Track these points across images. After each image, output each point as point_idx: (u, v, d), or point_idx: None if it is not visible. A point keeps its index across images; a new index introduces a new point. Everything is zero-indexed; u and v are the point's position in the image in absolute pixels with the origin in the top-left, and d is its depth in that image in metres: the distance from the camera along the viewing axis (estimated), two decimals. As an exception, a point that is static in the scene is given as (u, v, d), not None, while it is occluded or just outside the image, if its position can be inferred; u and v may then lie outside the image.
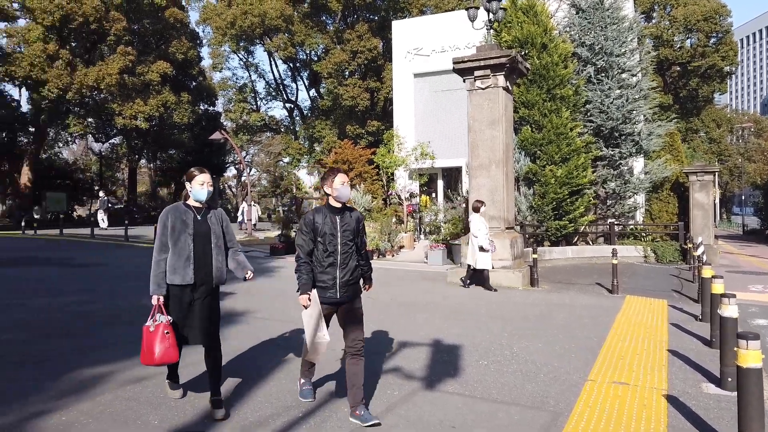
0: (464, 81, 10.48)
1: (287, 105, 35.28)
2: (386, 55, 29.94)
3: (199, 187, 3.71)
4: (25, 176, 31.94)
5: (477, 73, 10.14)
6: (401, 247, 15.53)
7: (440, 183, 19.30)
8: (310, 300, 3.54)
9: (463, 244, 10.39)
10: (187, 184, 3.77)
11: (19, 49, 27.43)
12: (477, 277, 9.27)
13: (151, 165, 55.83)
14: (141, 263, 12.12)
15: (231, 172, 66.32)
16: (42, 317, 6.46)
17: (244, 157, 75.18)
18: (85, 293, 8.08)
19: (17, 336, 5.59)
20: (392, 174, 19.06)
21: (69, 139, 42.14)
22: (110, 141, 43.41)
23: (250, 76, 33.65)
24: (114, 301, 7.54)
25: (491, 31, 11.19)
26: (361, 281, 3.80)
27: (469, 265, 9.24)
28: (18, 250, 15.10)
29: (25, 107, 32.85)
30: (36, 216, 31.18)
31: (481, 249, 8.91)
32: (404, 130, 18.66)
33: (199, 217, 3.73)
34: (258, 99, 34.19)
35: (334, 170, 3.68)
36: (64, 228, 21.86)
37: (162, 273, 3.62)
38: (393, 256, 14.97)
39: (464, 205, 15.11)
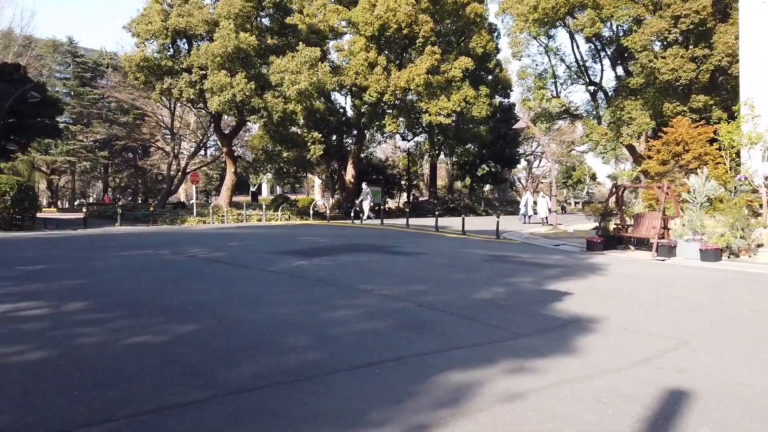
0: None
1: (589, 88, 32.66)
2: (718, 15, 25.04)
3: None
4: (349, 173, 36.70)
5: None
6: (759, 245, 12.33)
7: (812, 164, 14.88)
8: None
9: None
10: None
11: (344, 61, 31.49)
12: None
13: (448, 160, 59.12)
14: (456, 254, 12.05)
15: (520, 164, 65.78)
16: (386, 308, 6.45)
17: (536, 148, 74.03)
18: (419, 282, 8.06)
19: (367, 325, 5.56)
20: (736, 154, 15.51)
21: (380, 139, 47.16)
22: (414, 139, 47.30)
23: (549, 60, 32.15)
24: (449, 292, 7.26)
25: None
26: None
27: None
28: (347, 237, 16.85)
29: (349, 113, 37.84)
30: (356, 208, 35.56)
31: None
32: (759, 100, 14.91)
33: None
34: (557, 84, 32.44)
35: None
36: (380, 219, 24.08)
37: None
38: (749, 256, 11.96)
39: None
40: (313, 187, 61.60)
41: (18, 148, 28.07)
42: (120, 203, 49.51)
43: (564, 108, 31.40)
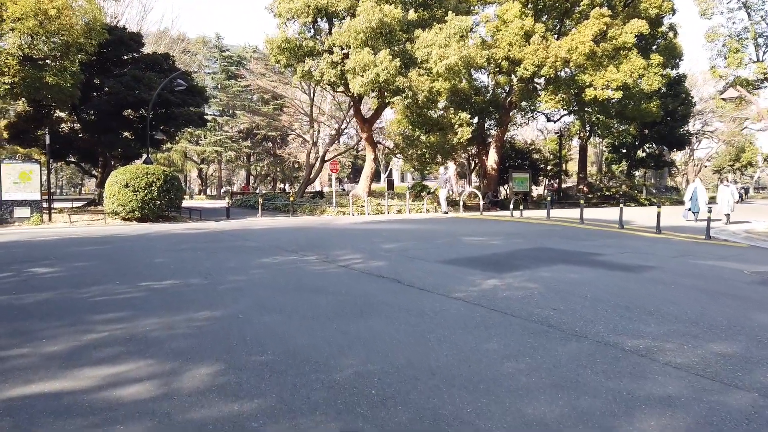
0: None
1: (801, 48, 26.21)
2: None
3: None
4: (491, 158, 33.44)
5: None
6: None
7: None
8: None
9: None
10: None
11: (490, 36, 28.20)
12: None
13: (598, 142, 53.12)
14: (693, 269, 7.98)
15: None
16: (725, 417, 3.57)
17: (701, 127, 64.69)
18: (716, 335, 5.01)
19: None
20: None
21: (521, 121, 42.84)
22: (562, 119, 42.41)
23: (749, 17, 26.19)
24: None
25: None
26: None
27: None
28: (520, 236, 13.89)
29: (491, 91, 34.45)
30: (500, 197, 32.32)
31: None
32: None
33: None
34: (758, 46, 26.41)
35: None
36: (526, 209, 20.69)
37: None
38: None
39: None
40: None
41: (166, 138, 28.53)
42: (258, 190, 50.72)
43: (765, 74, 25.47)
